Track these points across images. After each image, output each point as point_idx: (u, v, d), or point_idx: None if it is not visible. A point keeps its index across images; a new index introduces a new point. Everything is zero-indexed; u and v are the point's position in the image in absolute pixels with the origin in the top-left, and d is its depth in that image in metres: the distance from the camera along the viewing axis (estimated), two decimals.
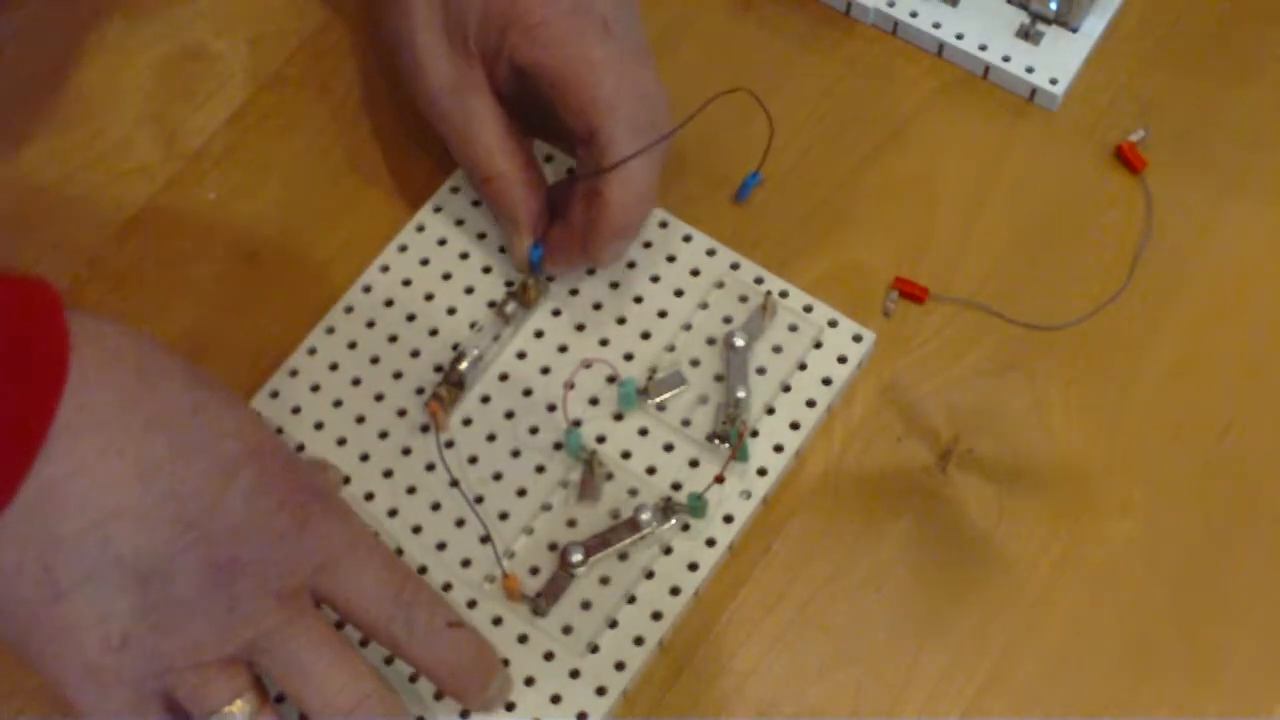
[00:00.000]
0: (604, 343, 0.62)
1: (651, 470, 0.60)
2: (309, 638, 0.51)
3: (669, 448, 0.60)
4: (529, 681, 0.56)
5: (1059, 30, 0.69)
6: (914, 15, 0.70)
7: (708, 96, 0.62)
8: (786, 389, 0.61)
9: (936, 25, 0.69)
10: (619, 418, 0.61)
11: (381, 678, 0.52)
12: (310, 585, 0.52)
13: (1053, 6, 0.68)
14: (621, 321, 0.63)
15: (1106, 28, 0.69)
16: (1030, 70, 0.68)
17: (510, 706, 0.55)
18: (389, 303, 0.63)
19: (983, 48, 0.69)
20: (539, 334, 0.62)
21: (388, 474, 0.59)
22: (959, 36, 0.69)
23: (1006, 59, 0.69)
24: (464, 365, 0.61)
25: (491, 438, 0.60)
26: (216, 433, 0.51)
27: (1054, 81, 0.68)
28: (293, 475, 0.52)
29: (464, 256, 0.64)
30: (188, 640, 0.50)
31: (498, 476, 0.59)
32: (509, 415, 0.61)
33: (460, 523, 0.58)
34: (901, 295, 0.63)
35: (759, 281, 0.63)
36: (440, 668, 0.53)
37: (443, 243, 0.64)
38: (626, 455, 0.60)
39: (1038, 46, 0.69)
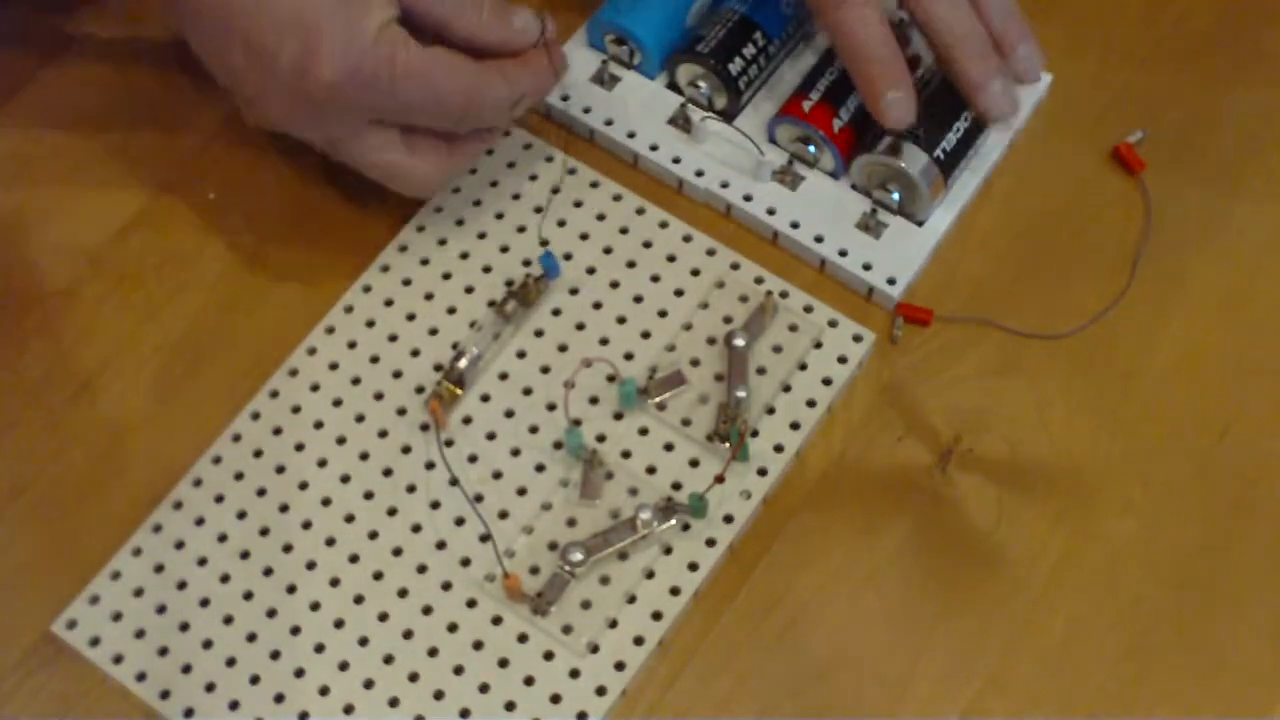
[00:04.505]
0: (604, 342, 0.62)
1: (651, 470, 0.60)
2: None
3: (669, 447, 0.60)
4: (529, 681, 0.56)
5: (903, 223, 0.64)
6: (748, 199, 0.64)
7: None
8: (787, 389, 0.61)
9: (771, 211, 0.64)
10: (619, 417, 0.61)
11: None
12: None
13: (895, 198, 0.64)
14: (621, 321, 0.63)
15: (955, 222, 0.65)
16: (868, 267, 0.63)
17: (510, 706, 0.55)
18: (389, 302, 0.63)
19: (819, 239, 0.64)
20: (539, 333, 0.62)
21: (387, 473, 0.59)
22: (794, 225, 0.64)
23: (843, 253, 0.64)
24: (463, 364, 0.61)
25: (491, 436, 0.60)
26: None
27: (891, 281, 0.63)
28: None
29: (464, 256, 0.64)
30: None
31: (497, 475, 0.59)
32: (509, 414, 0.61)
33: (460, 521, 0.58)
34: (907, 320, 0.63)
35: (759, 281, 0.63)
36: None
37: (443, 243, 0.64)
38: (626, 455, 0.60)
39: (878, 240, 0.64)
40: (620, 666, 0.56)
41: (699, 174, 0.65)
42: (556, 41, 0.62)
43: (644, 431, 0.60)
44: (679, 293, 0.63)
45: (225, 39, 0.58)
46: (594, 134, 0.67)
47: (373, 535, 0.58)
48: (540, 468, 0.60)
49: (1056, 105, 0.68)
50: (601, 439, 0.60)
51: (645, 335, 0.62)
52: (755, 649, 0.57)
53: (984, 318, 0.63)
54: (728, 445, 0.59)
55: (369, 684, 0.56)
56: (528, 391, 0.61)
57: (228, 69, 0.59)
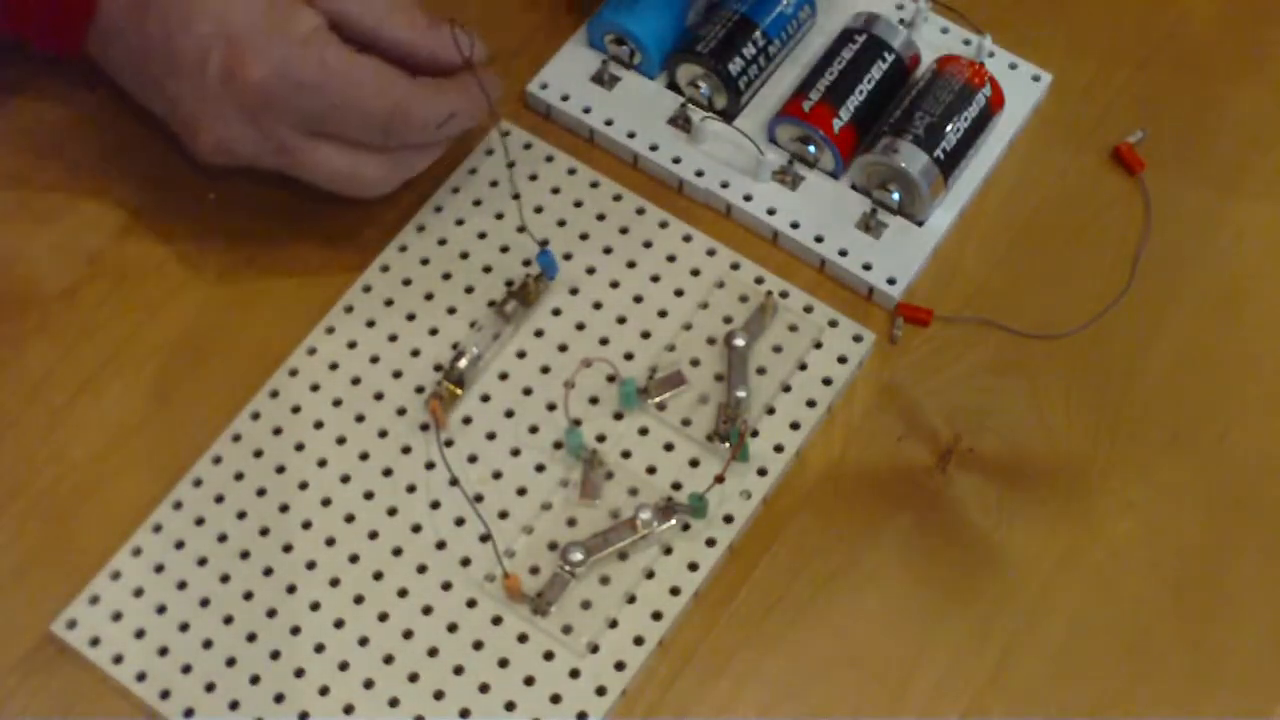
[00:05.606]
0: (604, 342, 0.62)
1: (652, 470, 0.60)
2: None
3: (669, 447, 0.60)
4: (529, 681, 0.56)
5: (903, 223, 0.64)
6: (748, 199, 0.65)
7: None
8: (787, 389, 0.61)
9: (771, 211, 0.65)
10: (619, 417, 0.61)
11: None
12: None
13: (895, 198, 0.64)
14: (621, 321, 0.63)
15: (955, 222, 0.65)
16: (868, 267, 0.63)
17: (510, 706, 0.55)
18: (389, 302, 0.63)
19: (819, 239, 0.64)
20: (539, 333, 0.62)
21: (387, 473, 0.59)
22: (794, 225, 0.65)
23: (844, 253, 0.64)
24: (464, 364, 0.61)
25: (491, 436, 0.60)
26: None
27: (892, 281, 0.63)
28: None
29: (464, 256, 0.64)
30: None
31: (497, 475, 0.59)
32: (509, 414, 0.61)
33: (460, 521, 0.58)
34: (907, 320, 0.63)
35: (759, 281, 0.63)
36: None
37: (442, 242, 0.64)
38: (627, 455, 0.60)
39: (878, 240, 0.64)
40: (620, 666, 0.56)
41: (699, 174, 0.65)
42: (487, 66, 0.62)
43: (644, 431, 0.60)
44: (679, 293, 0.63)
45: (158, 66, 0.59)
46: (594, 134, 0.67)
47: (373, 535, 0.58)
48: (540, 468, 0.60)
49: (1056, 105, 0.68)
50: (601, 439, 0.60)
51: (645, 335, 0.62)
52: (755, 649, 0.57)
53: (984, 318, 0.63)
54: (728, 445, 0.59)
55: (369, 684, 0.56)
56: (528, 391, 0.61)
57: (163, 97, 0.60)
